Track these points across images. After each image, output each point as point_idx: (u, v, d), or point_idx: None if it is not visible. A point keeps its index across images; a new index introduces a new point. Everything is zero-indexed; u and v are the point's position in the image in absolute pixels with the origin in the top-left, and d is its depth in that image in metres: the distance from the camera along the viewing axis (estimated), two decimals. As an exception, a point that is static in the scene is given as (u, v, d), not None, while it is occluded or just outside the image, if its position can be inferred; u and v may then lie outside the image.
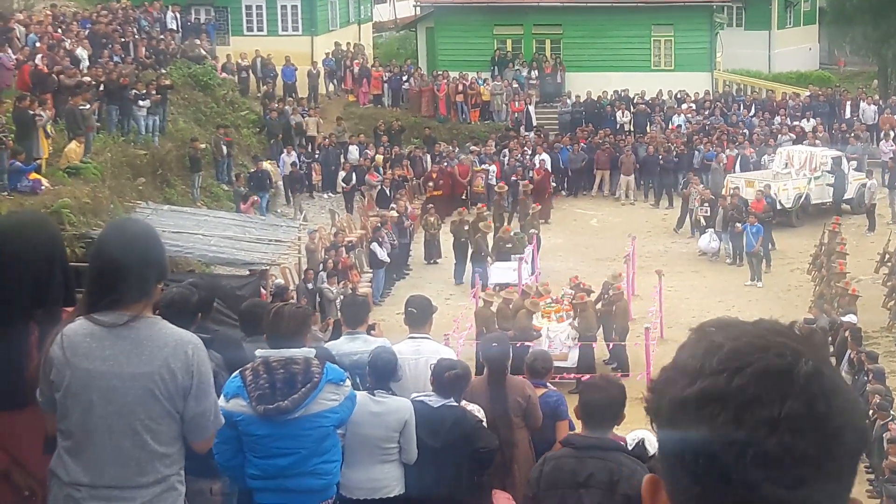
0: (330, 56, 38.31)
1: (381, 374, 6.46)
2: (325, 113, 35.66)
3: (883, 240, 26.36)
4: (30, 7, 34.20)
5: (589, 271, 23.63)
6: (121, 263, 3.71)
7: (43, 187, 21.05)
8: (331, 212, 29.88)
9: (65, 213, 19.95)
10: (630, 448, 5.62)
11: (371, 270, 25.43)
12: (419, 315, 7.55)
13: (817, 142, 33.37)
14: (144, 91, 27.25)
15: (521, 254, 25.04)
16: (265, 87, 35.52)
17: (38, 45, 27.40)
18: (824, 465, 1.34)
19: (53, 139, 22.94)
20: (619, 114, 36.65)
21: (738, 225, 26.59)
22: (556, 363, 12.89)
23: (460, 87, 37.10)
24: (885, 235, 26.76)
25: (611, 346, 20.46)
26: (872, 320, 21.98)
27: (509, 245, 25.99)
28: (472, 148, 33.54)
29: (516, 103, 37.03)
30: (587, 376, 15.00)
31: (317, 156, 32.66)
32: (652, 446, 6.41)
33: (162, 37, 33.66)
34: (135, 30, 33.35)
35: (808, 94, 38.14)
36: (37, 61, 25.66)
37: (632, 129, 36.26)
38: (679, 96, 37.74)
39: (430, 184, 31.64)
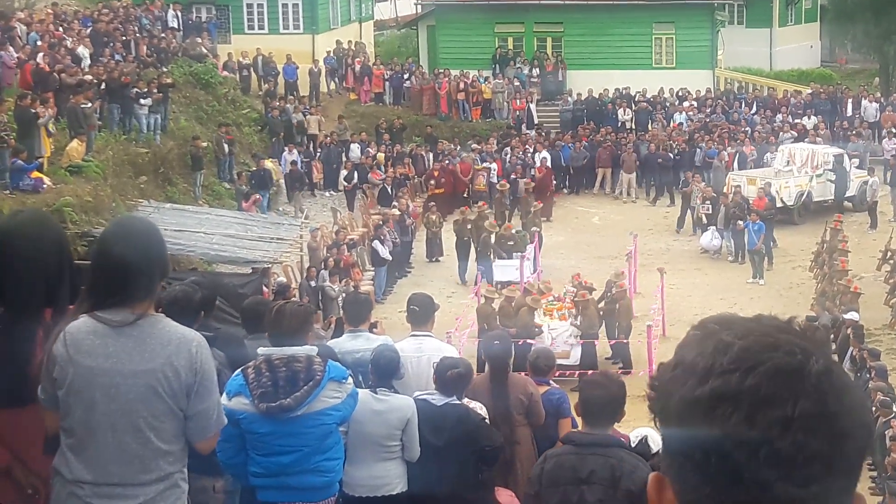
0: (331, 54, 38.28)
1: (383, 372, 6.45)
2: (327, 111, 35.65)
3: (885, 237, 26.37)
4: (31, 6, 34.14)
5: (590, 269, 23.64)
6: (128, 262, 3.71)
7: (45, 186, 21.04)
8: (333, 210, 29.88)
9: (67, 212, 19.94)
10: (633, 445, 5.62)
11: (373, 268, 25.43)
12: (421, 313, 7.54)
13: (819, 139, 33.32)
14: (146, 89, 27.22)
15: (523, 252, 25.04)
16: (266, 85, 35.48)
17: (39, 43, 27.37)
18: (835, 462, 1.34)
19: (55, 138, 22.94)
20: (620, 111, 36.62)
21: (740, 223, 26.59)
22: (559, 361, 12.89)
23: (462, 85, 37.07)
24: (886, 233, 26.78)
25: (612, 344, 20.49)
26: (874, 317, 22.01)
27: (511, 243, 26.00)
28: (474, 146, 33.55)
29: (518, 101, 37.01)
30: (589, 373, 15.00)
31: (318, 154, 32.67)
32: (655, 444, 6.41)
33: (163, 35, 33.63)
34: (136, 28, 33.32)
35: (809, 91, 38.10)
36: (38, 60, 25.65)
37: (633, 126, 36.22)
38: (680, 94, 37.72)
39: (432, 182, 31.65)
